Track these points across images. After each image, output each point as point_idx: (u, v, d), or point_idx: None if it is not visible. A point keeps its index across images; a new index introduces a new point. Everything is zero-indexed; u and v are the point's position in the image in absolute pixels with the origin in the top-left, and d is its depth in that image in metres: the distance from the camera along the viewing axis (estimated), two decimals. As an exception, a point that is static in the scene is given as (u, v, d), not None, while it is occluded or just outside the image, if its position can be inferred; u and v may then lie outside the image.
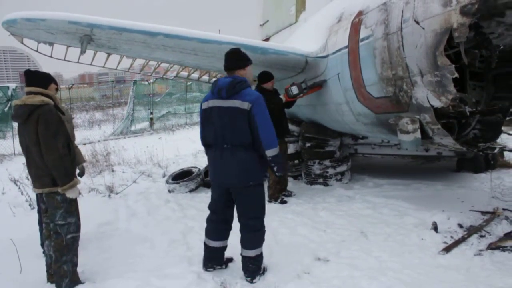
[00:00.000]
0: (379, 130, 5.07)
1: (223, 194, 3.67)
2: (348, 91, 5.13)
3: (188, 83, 20.64)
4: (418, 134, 4.28)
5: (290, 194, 6.34)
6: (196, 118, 20.93)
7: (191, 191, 6.90)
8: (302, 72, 6.34)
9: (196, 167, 7.51)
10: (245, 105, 3.39)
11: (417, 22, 3.80)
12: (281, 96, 6.05)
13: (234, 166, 3.45)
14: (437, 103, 3.91)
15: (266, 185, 6.96)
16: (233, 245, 3.96)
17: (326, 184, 6.70)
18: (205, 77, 12.18)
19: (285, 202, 6.06)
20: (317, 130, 6.85)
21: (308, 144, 6.88)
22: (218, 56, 5.96)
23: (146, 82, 19.80)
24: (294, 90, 6.02)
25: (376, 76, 4.46)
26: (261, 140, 3.39)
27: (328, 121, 6.39)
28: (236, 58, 3.59)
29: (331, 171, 6.70)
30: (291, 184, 7.10)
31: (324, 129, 6.79)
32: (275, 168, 3.46)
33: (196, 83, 17.54)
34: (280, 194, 6.20)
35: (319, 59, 5.82)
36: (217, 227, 3.77)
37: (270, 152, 3.41)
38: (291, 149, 7.31)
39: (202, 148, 11.46)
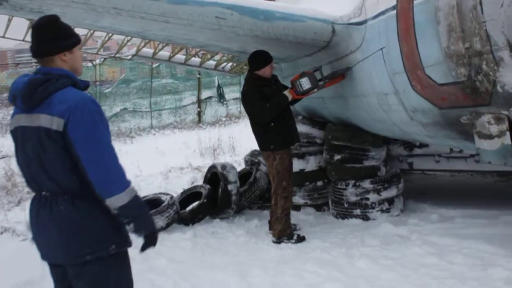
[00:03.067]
0: (446, 134, 5.04)
1: (62, 277, 3.17)
2: (398, 75, 5.11)
3: (155, 65, 20.71)
4: (507, 140, 4.25)
5: (294, 228, 6.48)
6: (167, 118, 20.96)
7: (159, 230, 6.80)
8: (327, 47, 6.34)
9: (167, 194, 7.49)
10: (55, 123, 2.87)
11: (503, -32, 3.77)
12: (286, 92, 6.13)
13: (55, 229, 2.97)
14: (535, 92, 3.88)
15: (243, 222, 7.07)
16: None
17: (366, 218, 6.70)
18: (180, 56, 12.19)
19: (303, 238, 6.20)
20: (350, 135, 6.84)
21: (337, 157, 6.87)
22: (198, 25, 5.96)
23: (90, 64, 19.87)
24: (305, 83, 6.07)
25: (440, 52, 4.43)
26: (91, 182, 2.90)
27: (367, 120, 6.38)
28: (47, 35, 3.03)
29: (373, 197, 6.68)
30: (312, 218, 7.06)
31: (362, 133, 6.78)
32: (130, 227, 3.02)
33: (167, 65, 17.62)
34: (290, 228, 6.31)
35: (352, 27, 5.81)
36: None
37: (113, 202, 2.91)
38: (311, 164, 7.32)
39: (175, 164, 11.58)
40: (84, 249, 2.97)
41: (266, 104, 6.03)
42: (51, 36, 3.02)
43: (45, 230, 3.01)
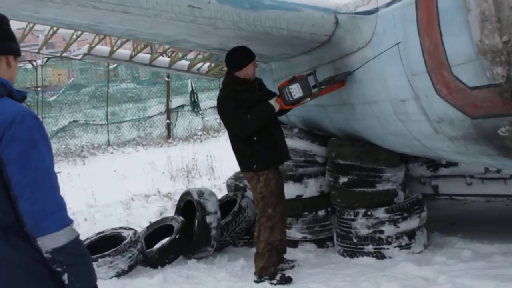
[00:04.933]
0: (480, 150, 5.04)
1: None
2: (418, 76, 5.12)
3: (112, 66, 20.67)
4: (555, 157, 4.25)
5: (289, 266, 6.58)
6: (129, 132, 20.89)
7: (120, 274, 6.88)
8: (329, 42, 6.36)
9: (130, 228, 7.47)
10: None
11: None
12: (272, 102, 6.18)
13: None
14: None
15: (225, 262, 7.13)
16: None
17: (380, 256, 6.68)
18: (144, 55, 12.17)
19: (289, 279, 6.24)
20: (359, 151, 6.82)
21: (343, 180, 6.85)
22: (167, 15, 5.94)
23: (30, 65, 19.74)
24: (295, 91, 6.12)
25: (471, 47, 4.43)
26: (21, 215, 2.89)
27: (380, 134, 6.39)
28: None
29: (389, 229, 6.66)
30: (312, 257, 7.03)
31: (373, 149, 6.78)
32: (64, 278, 2.93)
33: (127, 66, 17.56)
34: (278, 266, 6.37)
35: (360, 18, 5.84)
36: None
37: (46, 242, 2.88)
38: (310, 188, 7.32)
39: (139, 191, 11.52)
40: None
41: (247, 114, 6.07)
42: (3, 35, 3.11)
43: None
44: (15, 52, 3.16)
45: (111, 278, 6.77)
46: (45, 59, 18.83)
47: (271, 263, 6.29)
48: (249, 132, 6.14)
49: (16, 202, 2.87)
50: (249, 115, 6.06)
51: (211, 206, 7.35)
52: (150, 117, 21.82)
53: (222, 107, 6.33)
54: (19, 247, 2.92)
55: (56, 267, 2.90)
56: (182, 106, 22.65)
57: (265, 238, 6.26)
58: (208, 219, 7.24)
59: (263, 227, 6.28)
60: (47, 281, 2.94)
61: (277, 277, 6.20)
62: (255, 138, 6.15)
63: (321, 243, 7.38)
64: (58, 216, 2.88)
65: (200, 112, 22.97)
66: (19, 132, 2.88)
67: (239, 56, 6.25)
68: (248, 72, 6.25)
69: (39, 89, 19.04)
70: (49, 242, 2.84)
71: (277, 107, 6.15)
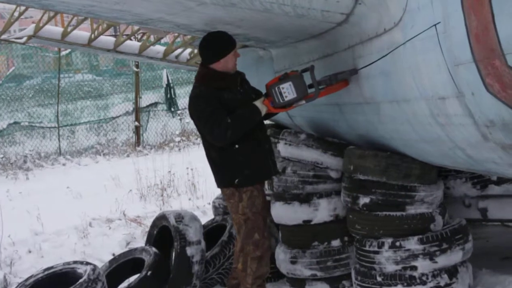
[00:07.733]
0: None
1: None
2: (462, 67, 5.11)
3: (64, 52, 20.68)
4: None
5: None
6: (86, 138, 20.88)
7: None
8: (346, 22, 6.39)
9: (87, 263, 7.43)
10: None
11: None
12: (258, 103, 6.25)
13: None
14: None
15: None
16: None
17: (411, 299, 6.68)
18: (107, 38, 12.20)
19: None
20: (385, 164, 6.81)
21: (364, 200, 6.86)
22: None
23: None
24: (287, 91, 6.20)
25: (531, 30, 4.44)
26: None
27: (411, 140, 6.39)
28: None
29: (423, 265, 6.64)
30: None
31: (403, 161, 6.78)
32: None
33: (84, 52, 17.55)
34: None
35: (387, -9, 5.83)
36: None
37: None
38: (321, 212, 7.34)
39: (99, 214, 11.55)
40: None
41: (226, 118, 6.11)
42: None
43: None
44: None
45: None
46: (-23, 43, 18.90)
47: None
48: (228, 142, 6.20)
49: None
50: (229, 120, 6.10)
51: (193, 234, 7.35)
52: (114, 118, 21.81)
53: (195, 109, 6.37)
54: None
55: None
56: (155, 104, 22.67)
57: (253, 270, 6.32)
58: (189, 250, 7.24)
59: (249, 258, 6.34)
60: None
61: None
62: (236, 146, 6.22)
63: (335, 282, 7.38)
64: None
65: (178, 112, 22.97)
66: None
67: (216, 44, 6.31)
68: (228, 64, 6.29)
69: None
70: None
71: (264, 110, 6.22)
